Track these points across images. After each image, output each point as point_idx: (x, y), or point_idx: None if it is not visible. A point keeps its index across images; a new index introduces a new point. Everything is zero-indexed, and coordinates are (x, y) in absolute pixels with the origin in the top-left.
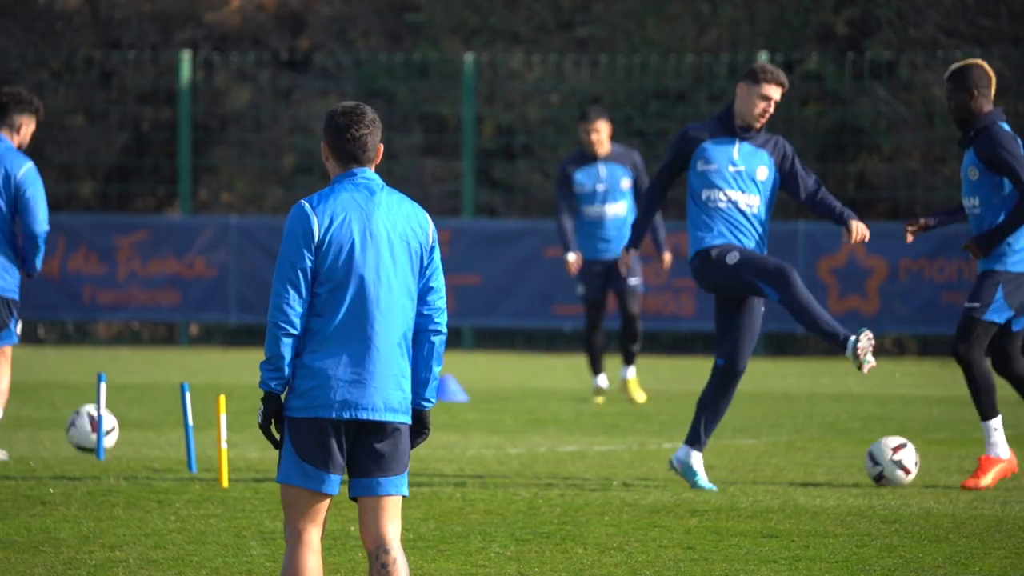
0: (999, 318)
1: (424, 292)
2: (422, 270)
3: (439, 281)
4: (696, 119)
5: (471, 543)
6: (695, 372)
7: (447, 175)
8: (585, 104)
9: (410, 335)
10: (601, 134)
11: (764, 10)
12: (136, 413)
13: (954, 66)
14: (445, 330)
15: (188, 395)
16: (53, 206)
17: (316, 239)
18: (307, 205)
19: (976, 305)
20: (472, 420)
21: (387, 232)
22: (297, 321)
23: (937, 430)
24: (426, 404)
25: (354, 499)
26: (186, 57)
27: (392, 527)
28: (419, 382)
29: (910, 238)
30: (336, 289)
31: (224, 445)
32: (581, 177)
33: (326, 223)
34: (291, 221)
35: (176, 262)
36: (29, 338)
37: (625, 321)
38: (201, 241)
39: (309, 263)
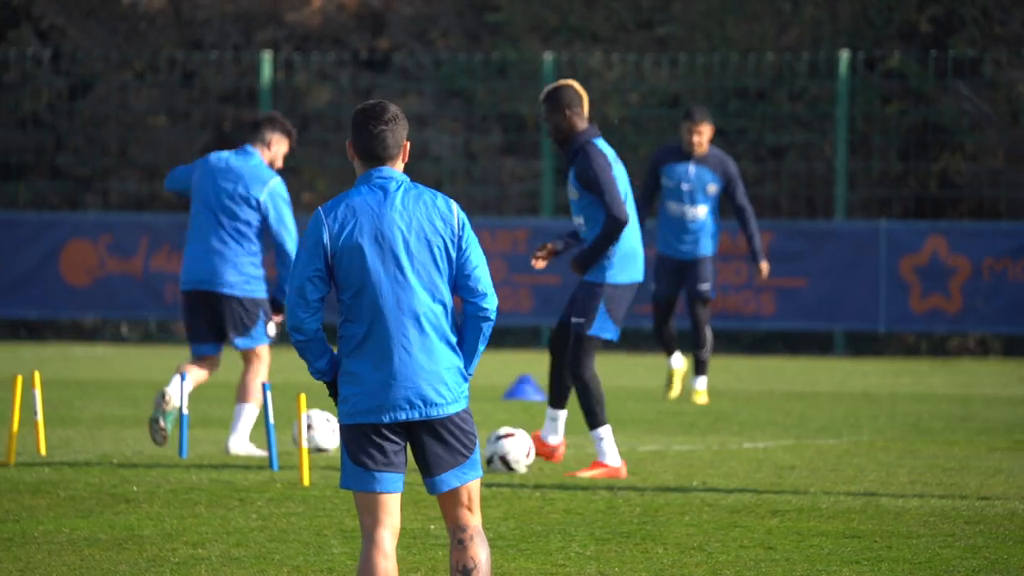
0: (605, 333)
1: (462, 281)
2: (452, 261)
3: (476, 267)
4: (776, 118)
5: (551, 542)
6: (775, 372)
7: (526, 174)
8: (665, 103)
9: (446, 328)
10: (703, 136)
11: (846, 8)
12: (217, 411)
13: (547, 88)
14: (492, 315)
15: (269, 394)
16: (136, 206)
17: (327, 247)
18: (320, 212)
19: (582, 320)
20: None
21: (401, 231)
22: (305, 326)
23: (1022, 431)
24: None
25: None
26: (267, 57)
27: (466, 512)
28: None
29: (540, 264)
30: (357, 294)
31: (305, 443)
32: (669, 172)
33: (336, 229)
34: (307, 228)
35: None
36: (112, 336)
37: (692, 327)
38: None
39: (316, 271)
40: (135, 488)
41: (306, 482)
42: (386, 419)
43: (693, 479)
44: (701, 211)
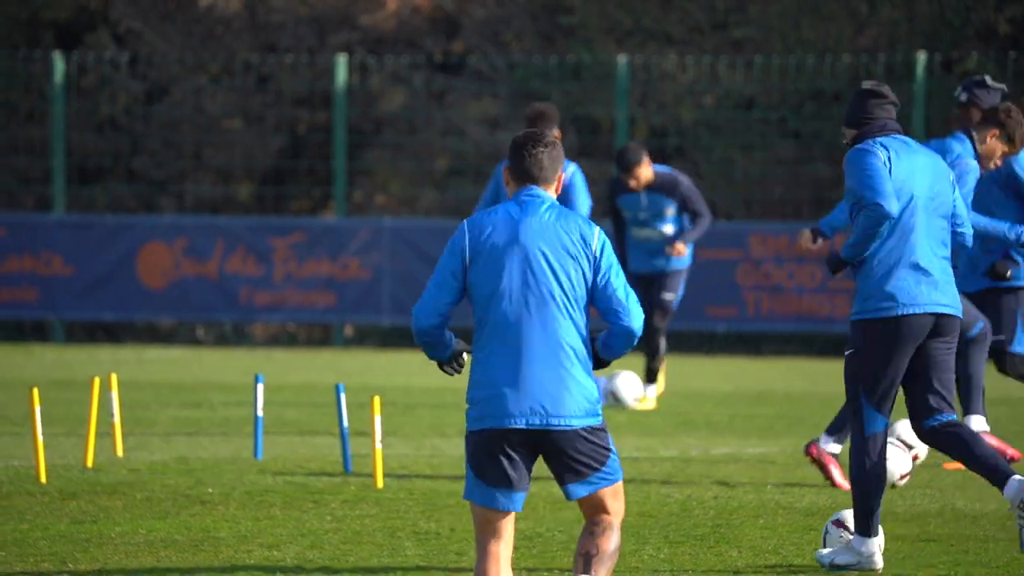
0: None
1: (604, 303)
2: (587, 281)
3: (616, 289)
4: None
5: (624, 545)
6: None
7: (600, 177)
8: (739, 106)
9: (577, 343)
10: (640, 178)
11: (923, 9)
12: (292, 414)
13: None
14: (635, 329)
15: (343, 396)
16: (211, 208)
17: (466, 253)
18: (464, 222)
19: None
20: (623, 422)
21: (539, 245)
22: (429, 314)
23: None
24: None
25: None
26: (341, 60)
27: (601, 511)
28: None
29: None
30: (491, 301)
31: (379, 446)
32: (624, 203)
33: (476, 236)
34: (453, 236)
35: (331, 264)
36: (187, 339)
37: (645, 335)
38: (355, 243)
39: (452, 274)
40: (211, 490)
41: (380, 484)
42: (509, 424)
43: (767, 482)
44: (667, 229)
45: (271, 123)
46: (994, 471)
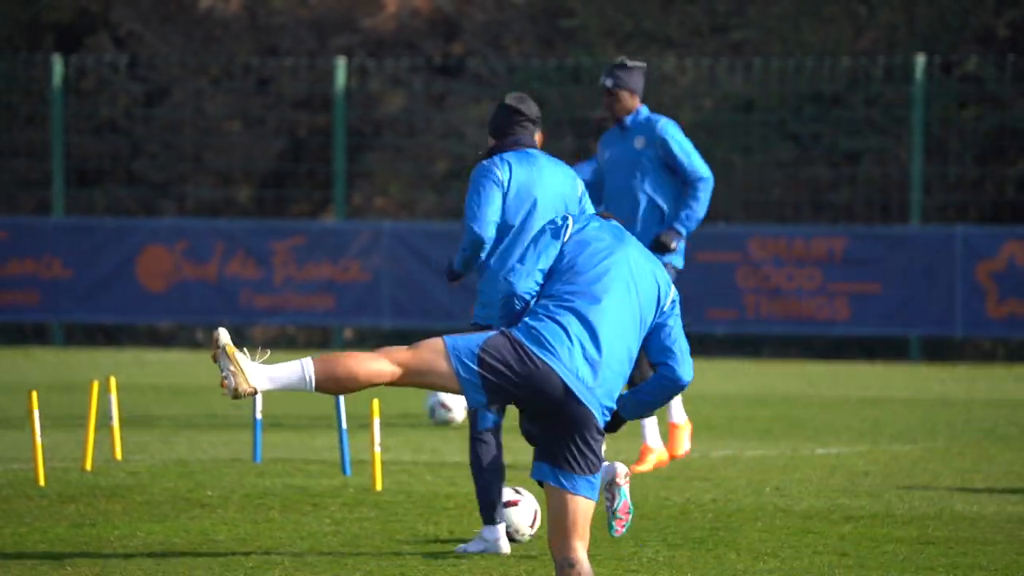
0: None
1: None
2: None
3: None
4: (851, 123)
5: (623, 548)
6: (850, 377)
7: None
8: (739, 108)
9: (623, 367)
10: None
11: (923, 12)
12: (291, 417)
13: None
14: (684, 383)
15: (342, 399)
16: (211, 211)
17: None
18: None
19: None
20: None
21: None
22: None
23: None
24: None
25: None
26: (341, 63)
27: (572, 539)
28: None
29: None
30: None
31: (378, 448)
32: None
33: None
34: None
35: (331, 267)
36: (187, 342)
37: None
38: (355, 246)
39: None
40: (210, 493)
41: (379, 487)
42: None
43: (766, 485)
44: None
45: (271, 126)
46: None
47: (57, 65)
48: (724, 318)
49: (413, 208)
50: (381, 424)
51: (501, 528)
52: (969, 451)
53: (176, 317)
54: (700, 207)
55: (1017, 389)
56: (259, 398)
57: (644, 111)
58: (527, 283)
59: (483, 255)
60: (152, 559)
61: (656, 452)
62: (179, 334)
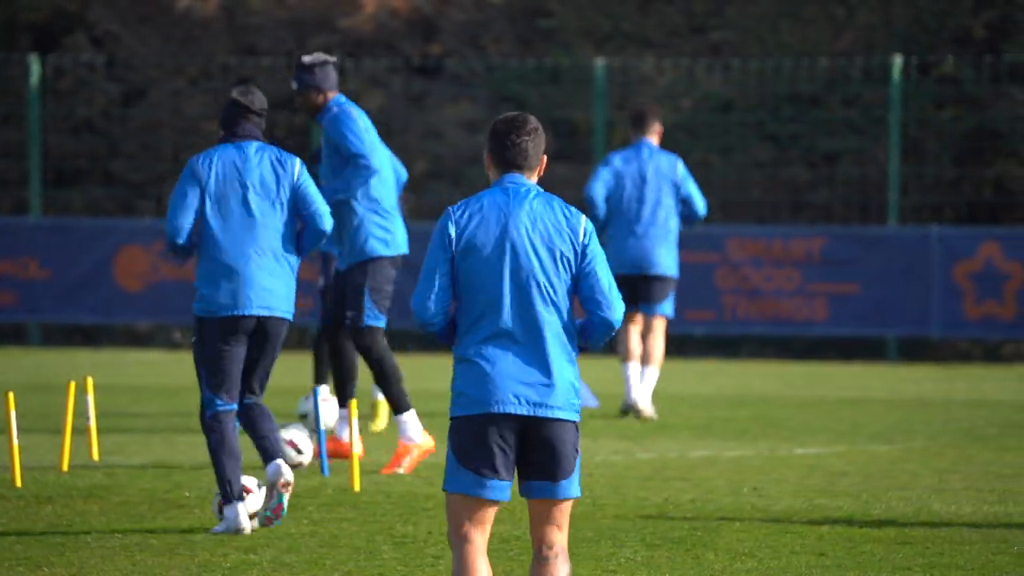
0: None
1: (587, 292)
2: (573, 270)
3: (600, 279)
4: (829, 124)
5: (601, 548)
6: (827, 378)
7: (578, 180)
8: (717, 109)
9: (562, 335)
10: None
11: (900, 13)
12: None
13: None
14: (616, 324)
15: (319, 399)
16: None
17: (453, 241)
18: (449, 209)
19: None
20: (601, 426)
21: (527, 233)
22: (434, 318)
23: None
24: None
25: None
26: None
27: (555, 530)
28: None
29: None
30: (478, 290)
31: (356, 449)
32: None
33: (463, 224)
34: (437, 225)
35: (308, 266)
36: (165, 342)
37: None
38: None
39: (443, 264)
40: (187, 493)
41: (357, 488)
42: (496, 410)
43: (744, 485)
44: None
45: None
46: (264, 451)
47: (34, 65)
48: (702, 319)
49: None
50: (359, 425)
51: (239, 506)
52: (947, 451)
53: (154, 317)
54: (351, 185)
55: (994, 389)
56: None
57: (334, 104)
58: None
59: (179, 242)
60: (129, 559)
61: (416, 447)
62: (157, 334)
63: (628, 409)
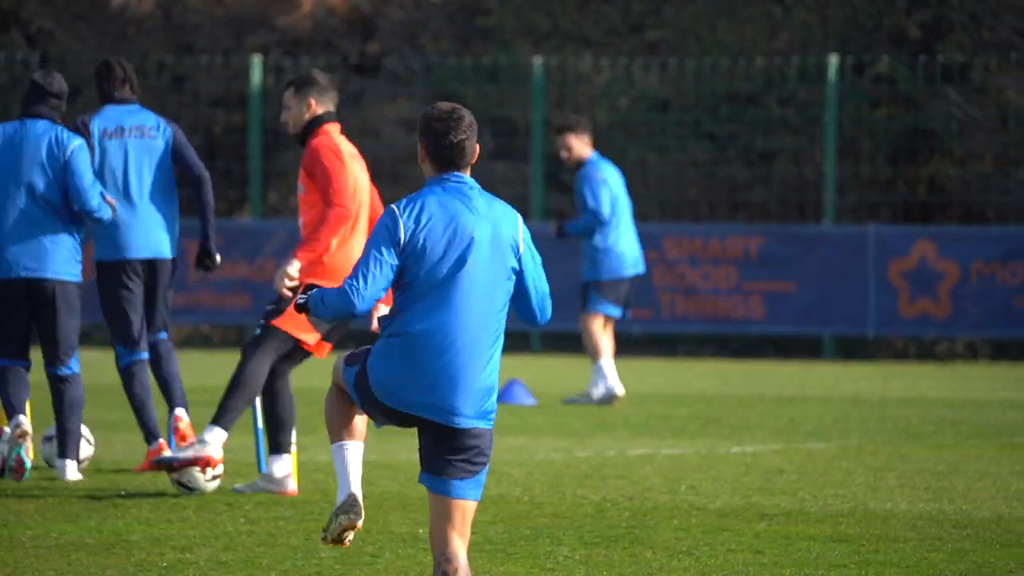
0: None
1: (521, 289)
2: (513, 269)
3: (535, 278)
4: (767, 123)
5: (539, 546)
6: (764, 376)
7: (516, 178)
8: (654, 108)
9: (499, 334)
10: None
11: (836, 12)
12: (206, 416)
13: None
14: (540, 322)
15: (257, 398)
16: None
17: (402, 242)
18: (395, 208)
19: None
20: (540, 424)
21: (475, 234)
22: (366, 307)
23: (1011, 434)
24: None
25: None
26: (257, 62)
27: (457, 537)
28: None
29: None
30: (424, 289)
31: (293, 448)
32: None
33: (412, 226)
34: (379, 223)
35: (246, 266)
36: (102, 342)
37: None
38: (271, 245)
39: (390, 264)
40: (123, 493)
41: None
42: (409, 412)
43: (682, 483)
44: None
45: (186, 124)
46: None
47: None
48: (640, 317)
49: None
50: (297, 424)
51: (71, 464)
52: (882, 449)
53: (91, 316)
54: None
55: (929, 387)
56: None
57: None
58: None
59: None
60: (64, 559)
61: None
62: (93, 333)
63: (613, 398)
